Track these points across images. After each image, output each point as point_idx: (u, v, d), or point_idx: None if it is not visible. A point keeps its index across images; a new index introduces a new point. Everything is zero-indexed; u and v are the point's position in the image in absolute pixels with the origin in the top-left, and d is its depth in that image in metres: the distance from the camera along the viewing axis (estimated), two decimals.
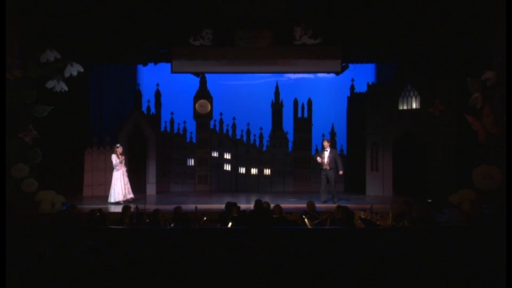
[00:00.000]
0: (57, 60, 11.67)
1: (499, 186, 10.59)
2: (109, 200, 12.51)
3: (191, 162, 15.55)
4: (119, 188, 12.54)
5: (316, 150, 15.07)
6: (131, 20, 12.57)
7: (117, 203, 12.24)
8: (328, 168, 12.60)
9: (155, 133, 14.95)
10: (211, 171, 15.53)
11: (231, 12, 12.71)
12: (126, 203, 11.01)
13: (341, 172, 12.66)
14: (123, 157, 12.86)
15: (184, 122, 15.59)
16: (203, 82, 15.39)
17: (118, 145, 12.98)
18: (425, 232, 7.90)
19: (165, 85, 15.47)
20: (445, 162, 13.33)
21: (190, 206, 10.23)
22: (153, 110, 15.34)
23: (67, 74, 11.77)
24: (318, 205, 10.67)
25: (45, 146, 11.98)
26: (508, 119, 10.13)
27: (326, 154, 12.67)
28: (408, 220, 8.77)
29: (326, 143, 12.88)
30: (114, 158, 12.65)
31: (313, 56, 13.04)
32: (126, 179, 12.78)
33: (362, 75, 14.86)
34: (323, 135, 15.16)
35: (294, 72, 14.69)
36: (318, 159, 12.75)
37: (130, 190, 12.80)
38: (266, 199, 10.79)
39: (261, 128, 15.61)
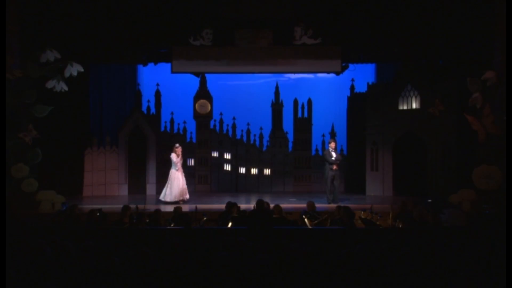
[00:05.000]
0: (57, 60, 11.66)
1: (499, 186, 10.58)
2: (163, 199, 12.50)
3: (191, 162, 15.55)
4: (177, 187, 12.54)
5: (318, 152, 15.09)
6: (131, 20, 12.57)
7: (175, 202, 12.11)
8: (337, 168, 12.59)
9: (155, 133, 14.95)
10: (211, 171, 15.53)
11: (231, 12, 12.72)
12: (181, 203, 10.95)
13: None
14: (181, 157, 12.87)
15: (184, 122, 15.59)
16: (203, 82, 15.40)
17: (177, 145, 13.01)
18: (425, 232, 7.89)
19: (165, 85, 15.46)
20: (445, 162, 13.33)
21: (190, 206, 10.24)
22: (153, 110, 15.33)
23: (67, 74, 11.76)
24: (319, 205, 10.66)
25: (45, 146, 11.98)
26: (508, 119, 10.12)
27: (334, 154, 12.63)
28: (403, 221, 8.77)
29: (334, 144, 12.77)
30: (174, 157, 12.68)
31: (313, 56, 13.03)
32: (184, 180, 12.82)
33: (362, 75, 14.87)
34: (323, 135, 15.17)
35: (294, 72, 14.70)
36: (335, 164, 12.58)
37: (187, 190, 12.88)
38: (266, 199, 10.77)
39: (261, 128, 15.62)
